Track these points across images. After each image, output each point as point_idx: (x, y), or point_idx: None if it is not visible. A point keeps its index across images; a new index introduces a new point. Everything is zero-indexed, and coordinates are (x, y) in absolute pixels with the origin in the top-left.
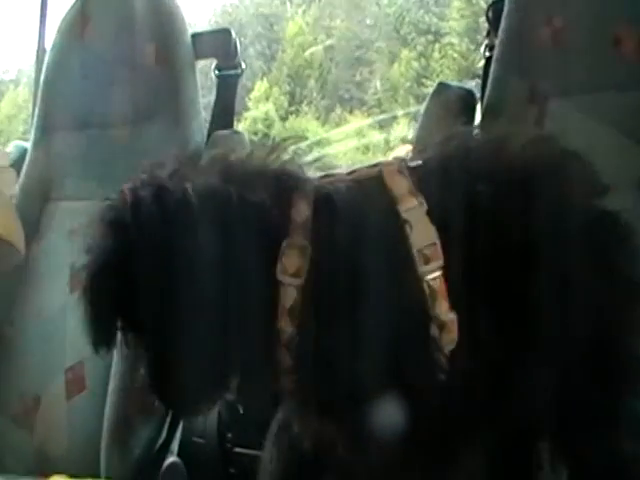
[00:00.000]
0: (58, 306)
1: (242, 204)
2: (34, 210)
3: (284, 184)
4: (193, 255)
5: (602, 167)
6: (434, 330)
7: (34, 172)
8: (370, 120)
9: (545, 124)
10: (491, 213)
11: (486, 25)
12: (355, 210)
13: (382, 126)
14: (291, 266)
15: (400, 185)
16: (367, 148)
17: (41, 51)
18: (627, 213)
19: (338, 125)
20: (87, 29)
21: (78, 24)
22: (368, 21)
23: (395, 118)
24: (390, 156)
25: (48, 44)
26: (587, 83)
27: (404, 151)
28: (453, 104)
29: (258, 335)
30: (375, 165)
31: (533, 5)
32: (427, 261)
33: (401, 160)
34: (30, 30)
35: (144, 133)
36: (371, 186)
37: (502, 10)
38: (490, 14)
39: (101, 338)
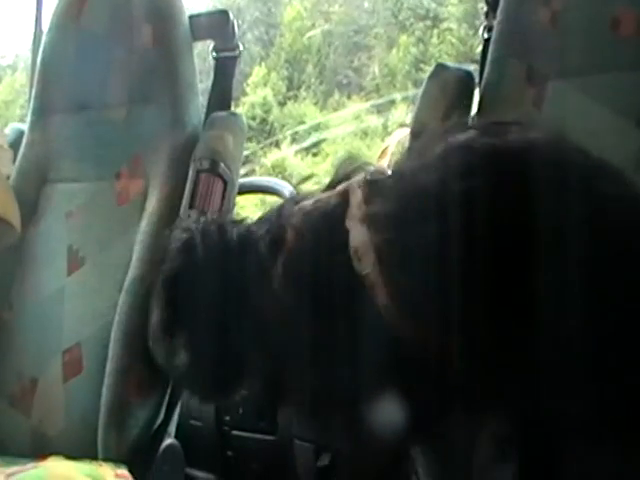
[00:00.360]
0: (55, 288)
1: (259, 240)
2: (31, 192)
3: (283, 219)
4: (227, 277)
5: (601, 148)
6: (378, 314)
7: (31, 154)
8: (368, 104)
9: (543, 106)
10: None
11: (484, 10)
12: (318, 229)
13: (380, 111)
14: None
15: (354, 198)
16: (365, 133)
17: (38, 34)
18: None
19: (336, 110)
20: (83, 11)
21: (74, 6)
22: (366, 6)
23: (393, 102)
24: (387, 140)
25: (45, 27)
26: (586, 64)
27: (401, 135)
28: (451, 85)
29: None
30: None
31: None
32: (359, 259)
33: (366, 175)
34: (27, 15)
35: (141, 115)
36: (339, 202)
37: None
38: None
39: (163, 326)
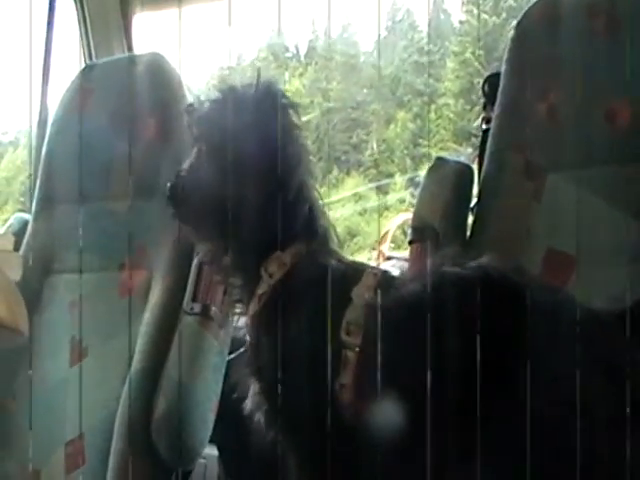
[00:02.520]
0: (58, 379)
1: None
2: (36, 282)
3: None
4: None
5: (600, 241)
6: (337, 386)
7: (35, 244)
8: (369, 185)
9: (543, 198)
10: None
11: (482, 101)
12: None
13: (379, 189)
14: None
15: (368, 279)
16: (364, 209)
17: (43, 118)
18: (622, 286)
19: (335, 187)
20: (88, 102)
21: (79, 97)
22: (364, 83)
23: (392, 180)
24: (390, 222)
25: (50, 110)
26: (583, 157)
27: (400, 220)
28: (449, 179)
29: None
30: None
31: (529, 81)
32: (348, 333)
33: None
34: (29, 91)
35: (144, 206)
36: (357, 268)
37: (498, 83)
38: (486, 87)
39: None
